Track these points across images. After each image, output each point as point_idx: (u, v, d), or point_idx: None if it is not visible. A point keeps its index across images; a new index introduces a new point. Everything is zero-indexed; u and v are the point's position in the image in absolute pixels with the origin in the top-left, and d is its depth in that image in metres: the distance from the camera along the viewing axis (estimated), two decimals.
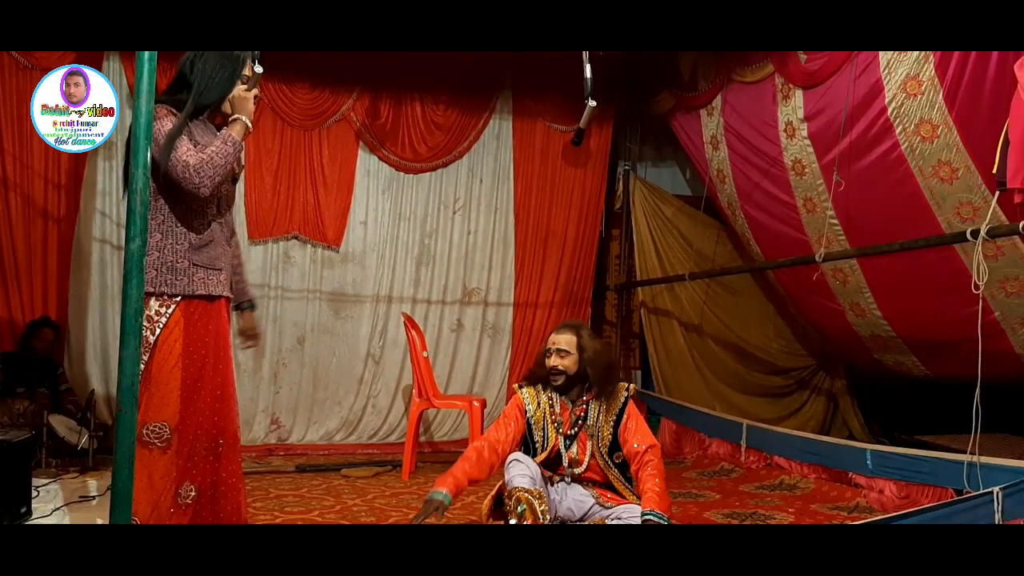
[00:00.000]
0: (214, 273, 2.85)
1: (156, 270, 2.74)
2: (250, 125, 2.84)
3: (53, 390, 5.43)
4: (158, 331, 2.73)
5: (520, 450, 3.53)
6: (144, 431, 2.70)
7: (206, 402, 2.80)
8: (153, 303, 2.73)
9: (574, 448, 3.54)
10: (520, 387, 3.70)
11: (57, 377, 5.54)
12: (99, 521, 3.78)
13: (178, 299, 2.76)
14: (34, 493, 4.00)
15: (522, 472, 3.35)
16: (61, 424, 5.07)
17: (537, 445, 3.56)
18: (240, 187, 5.93)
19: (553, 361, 3.55)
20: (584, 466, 3.51)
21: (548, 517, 3.23)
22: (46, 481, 4.52)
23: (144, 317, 2.67)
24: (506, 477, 3.37)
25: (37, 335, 5.48)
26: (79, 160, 5.80)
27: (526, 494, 3.23)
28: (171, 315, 2.75)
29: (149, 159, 2.47)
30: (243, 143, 2.81)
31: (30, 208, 5.69)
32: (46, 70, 5.40)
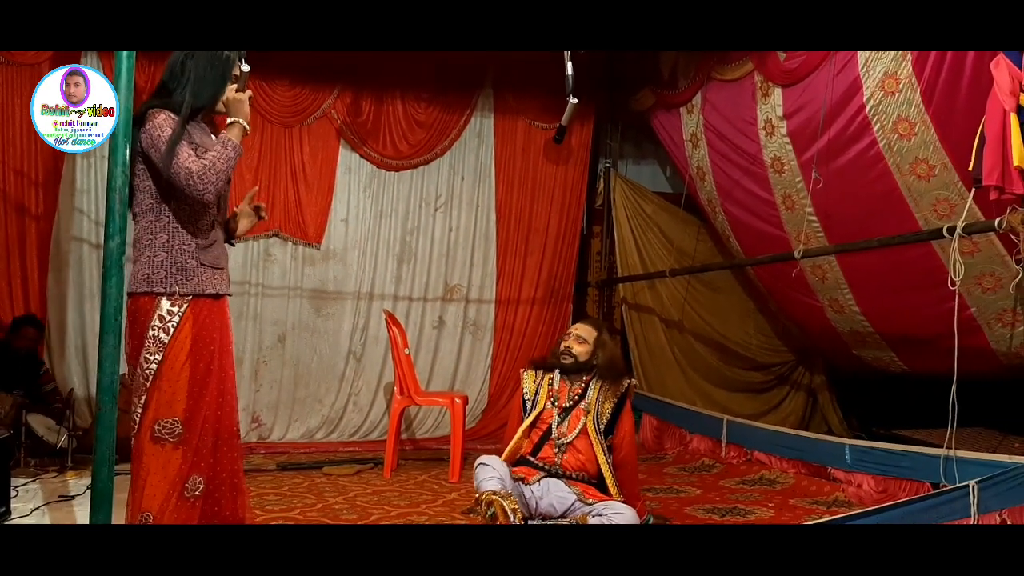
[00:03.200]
0: (218, 272, 2.88)
1: (166, 271, 2.76)
2: (247, 127, 2.84)
3: (33, 389, 5.37)
4: (171, 330, 2.75)
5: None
6: (155, 427, 2.73)
7: (212, 397, 2.82)
8: (164, 303, 2.74)
9: (567, 423, 3.63)
10: (524, 371, 3.86)
11: (39, 376, 5.49)
12: (80, 521, 3.76)
13: (189, 298, 2.78)
14: (13, 493, 3.97)
15: (489, 475, 3.44)
16: (40, 423, 5.03)
17: (528, 411, 3.71)
18: None
19: (569, 343, 3.75)
20: (572, 437, 3.59)
21: (519, 515, 3.27)
22: (25, 481, 4.49)
23: (156, 317, 2.72)
24: (475, 482, 3.46)
25: (19, 333, 5.41)
26: (57, 158, 5.75)
27: (494, 496, 3.29)
28: (183, 314, 2.76)
29: (128, 157, 2.47)
30: (241, 146, 2.81)
31: (7, 205, 5.63)
32: (23, 65, 5.47)
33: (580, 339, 3.75)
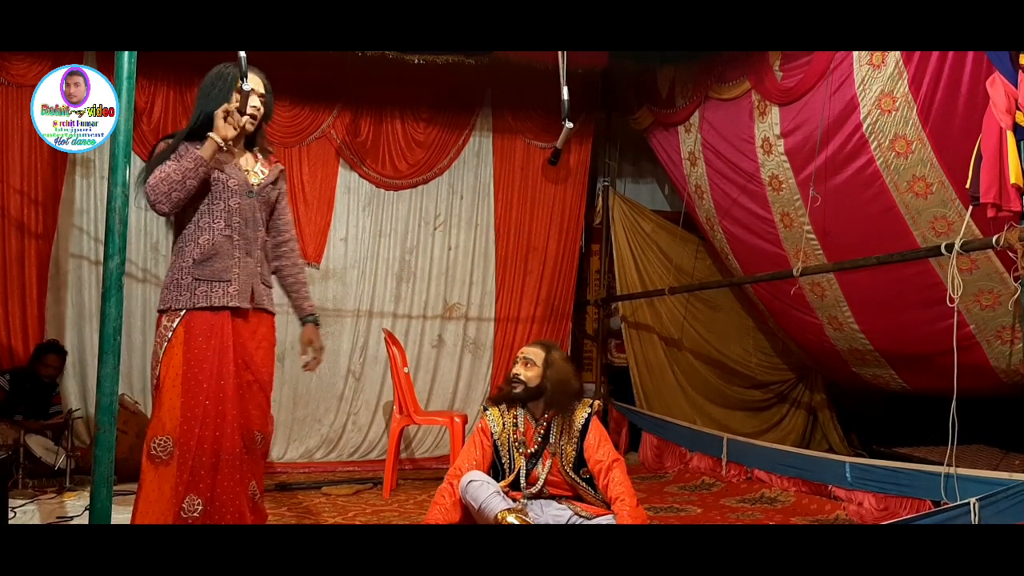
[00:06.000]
0: (219, 285, 2.88)
1: (167, 289, 2.87)
2: (219, 141, 2.85)
3: (44, 413, 5.40)
4: (164, 344, 2.81)
5: (489, 474, 3.49)
6: (152, 444, 2.76)
7: (207, 414, 2.81)
8: (164, 319, 2.84)
9: (537, 467, 3.51)
10: (486, 409, 3.67)
11: (51, 398, 5.51)
12: None
13: (183, 313, 2.83)
14: (11, 515, 3.95)
15: (490, 492, 3.31)
16: (38, 444, 5.02)
17: (504, 468, 3.54)
18: None
19: (516, 369, 3.56)
20: (538, 486, 3.47)
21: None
22: (23, 502, 4.47)
23: (158, 333, 2.84)
24: (477, 504, 3.29)
25: (42, 360, 5.45)
26: (57, 178, 5.78)
27: (515, 514, 3.20)
28: (175, 329, 2.82)
29: (128, 178, 2.47)
30: (205, 158, 2.83)
31: (6, 224, 5.64)
32: (22, 86, 5.49)
33: (528, 362, 3.54)
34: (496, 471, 3.54)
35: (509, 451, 3.53)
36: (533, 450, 3.52)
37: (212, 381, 2.83)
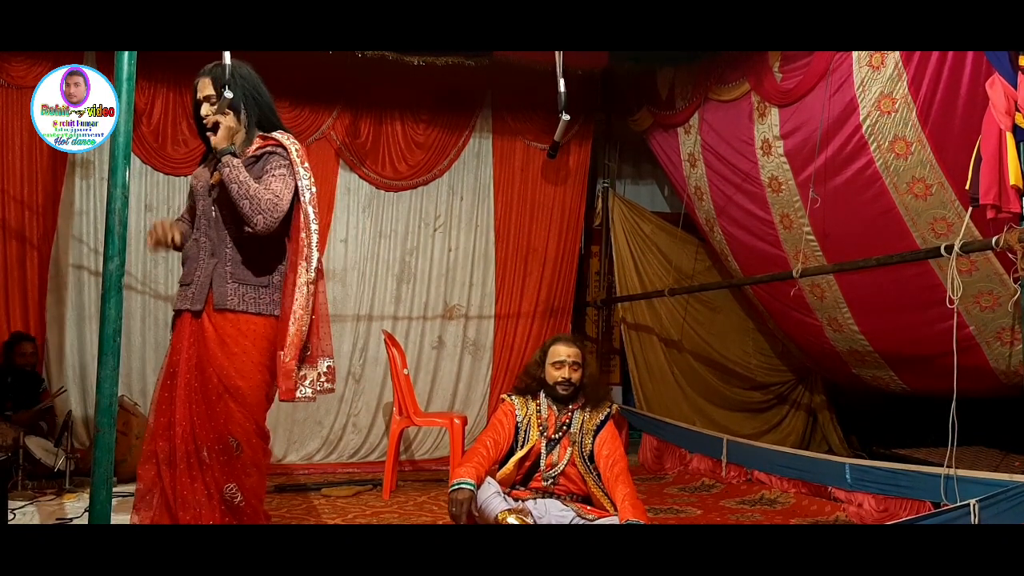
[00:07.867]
0: (183, 289, 2.95)
1: None
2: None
3: (34, 406, 5.40)
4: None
5: (504, 458, 3.60)
6: None
7: (164, 414, 2.85)
8: None
9: (555, 452, 3.59)
10: (509, 396, 3.75)
11: (39, 394, 5.51)
12: None
13: (173, 317, 2.99)
14: (10, 516, 3.94)
15: (490, 493, 3.37)
16: (38, 446, 5.01)
17: (520, 444, 3.61)
18: None
19: (568, 373, 3.64)
20: (561, 467, 3.55)
21: None
22: (22, 503, 4.46)
23: None
24: (477, 503, 3.33)
25: (16, 350, 5.46)
26: (56, 179, 5.77)
27: (515, 515, 3.24)
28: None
29: (127, 179, 2.47)
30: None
31: (6, 226, 5.64)
32: (23, 88, 5.48)
33: (575, 366, 3.64)
34: (511, 449, 3.62)
35: (528, 431, 3.62)
36: (554, 436, 3.60)
37: (163, 382, 2.90)
